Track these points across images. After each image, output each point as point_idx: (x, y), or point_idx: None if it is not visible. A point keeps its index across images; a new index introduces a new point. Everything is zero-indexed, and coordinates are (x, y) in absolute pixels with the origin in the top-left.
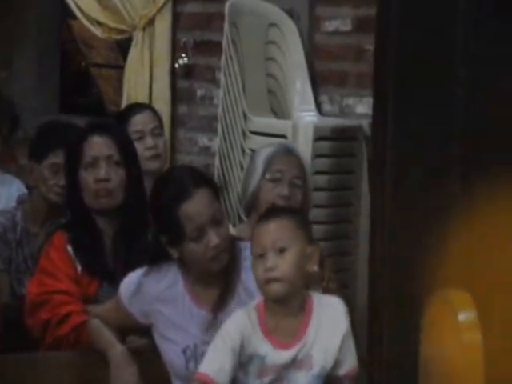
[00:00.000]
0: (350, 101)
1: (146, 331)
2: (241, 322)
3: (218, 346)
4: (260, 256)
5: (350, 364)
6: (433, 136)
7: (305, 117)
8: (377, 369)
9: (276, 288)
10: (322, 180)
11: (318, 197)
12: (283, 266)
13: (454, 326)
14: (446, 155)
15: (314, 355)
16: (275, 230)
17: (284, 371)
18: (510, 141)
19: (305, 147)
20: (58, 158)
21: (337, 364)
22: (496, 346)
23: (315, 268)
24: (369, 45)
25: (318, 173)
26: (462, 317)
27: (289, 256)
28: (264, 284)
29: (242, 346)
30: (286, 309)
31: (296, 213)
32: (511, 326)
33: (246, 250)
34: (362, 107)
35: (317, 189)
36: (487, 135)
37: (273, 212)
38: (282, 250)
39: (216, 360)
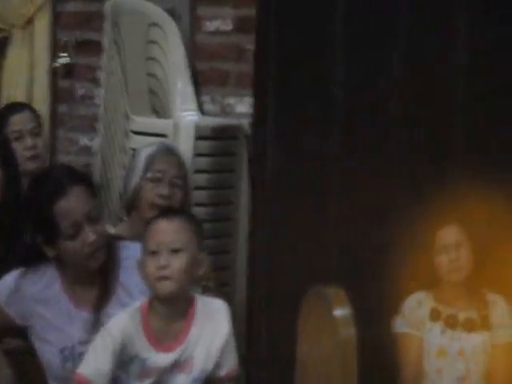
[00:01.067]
0: (230, 100)
1: (21, 333)
2: (123, 324)
3: (97, 347)
4: (152, 253)
5: (230, 365)
6: (312, 135)
7: (186, 116)
8: (255, 366)
9: (167, 286)
10: (202, 179)
11: (199, 195)
12: (176, 265)
13: (330, 322)
14: (325, 154)
15: (196, 358)
16: (173, 230)
17: (165, 374)
18: (386, 140)
19: (186, 146)
20: None
21: (217, 365)
22: None
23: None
24: (249, 45)
25: (198, 172)
26: (337, 313)
27: (182, 258)
28: (155, 281)
29: (123, 348)
30: (170, 311)
31: (194, 218)
32: None
33: (125, 250)
34: (243, 107)
35: (197, 187)
36: (364, 134)
37: (172, 212)
38: (176, 251)
39: (94, 361)
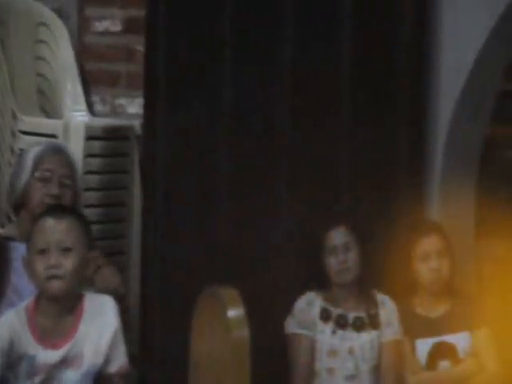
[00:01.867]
0: (121, 101)
1: None
2: (9, 323)
3: None
4: (41, 251)
5: (119, 362)
6: (201, 135)
7: (76, 117)
8: (148, 366)
9: (57, 285)
10: (94, 179)
11: (90, 196)
12: (66, 265)
13: (223, 323)
14: (214, 154)
15: (85, 353)
16: (63, 229)
17: (54, 370)
18: (272, 141)
19: (76, 147)
20: None
21: (107, 361)
22: None
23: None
24: (139, 46)
25: (89, 172)
26: (230, 313)
27: (73, 257)
28: (44, 280)
29: (11, 347)
30: (58, 309)
31: (83, 217)
32: None
33: (15, 251)
34: (134, 107)
35: (89, 189)
36: (252, 134)
37: (60, 210)
38: (66, 250)
39: None
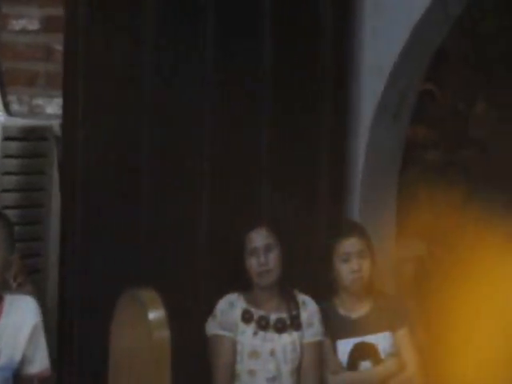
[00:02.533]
0: (39, 101)
1: None
2: None
3: None
4: None
5: (41, 364)
6: (123, 135)
7: None
8: (67, 369)
9: None
10: (11, 180)
11: (7, 198)
12: None
13: (144, 325)
14: (135, 154)
15: (2, 348)
16: None
17: None
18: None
19: None
20: None
21: (27, 360)
22: None
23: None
24: (58, 45)
25: (6, 173)
26: (151, 315)
27: None
28: None
29: None
30: None
31: (6, 217)
32: None
33: None
34: (52, 108)
35: (5, 190)
36: (175, 135)
37: None
38: None
39: None
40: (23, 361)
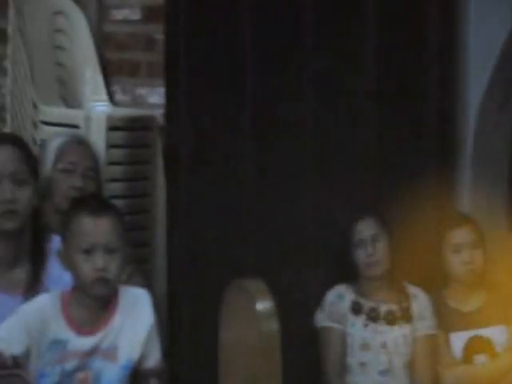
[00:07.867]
0: (142, 91)
1: None
2: (41, 305)
3: (11, 322)
4: (85, 251)
5: (155, 358)
6: (225, 125)
7: (97, 107)
8: (177, 361)
9: (104, 289)
10: (117, 170)
11: (114, 187)
12: (113, 267)
13: (252, 315)
14: (238, 145)
15: (120, 346)
16: (108, 230)
17: (88, 359)
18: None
19: (98, 138)
20: None
21: (143, 357)
22: None
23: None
24: (159, 34)
25: (112, 163)
26: (259, 306)
27: (117, 258)
28: (92, 282)
29: (40, 330)
30: (93, 301)
31: (118, 210)
32: None
33: (53, 243)
34: (155, 97)
35: (112, 179)
36: (275, 127)
37: (98, 205)
38: (112, 251)
39: (5, 331)
40: (140, 357)
